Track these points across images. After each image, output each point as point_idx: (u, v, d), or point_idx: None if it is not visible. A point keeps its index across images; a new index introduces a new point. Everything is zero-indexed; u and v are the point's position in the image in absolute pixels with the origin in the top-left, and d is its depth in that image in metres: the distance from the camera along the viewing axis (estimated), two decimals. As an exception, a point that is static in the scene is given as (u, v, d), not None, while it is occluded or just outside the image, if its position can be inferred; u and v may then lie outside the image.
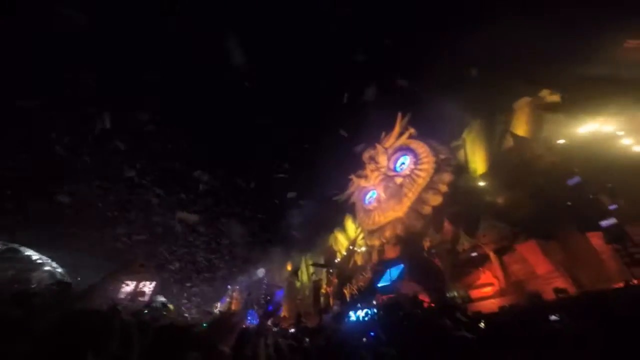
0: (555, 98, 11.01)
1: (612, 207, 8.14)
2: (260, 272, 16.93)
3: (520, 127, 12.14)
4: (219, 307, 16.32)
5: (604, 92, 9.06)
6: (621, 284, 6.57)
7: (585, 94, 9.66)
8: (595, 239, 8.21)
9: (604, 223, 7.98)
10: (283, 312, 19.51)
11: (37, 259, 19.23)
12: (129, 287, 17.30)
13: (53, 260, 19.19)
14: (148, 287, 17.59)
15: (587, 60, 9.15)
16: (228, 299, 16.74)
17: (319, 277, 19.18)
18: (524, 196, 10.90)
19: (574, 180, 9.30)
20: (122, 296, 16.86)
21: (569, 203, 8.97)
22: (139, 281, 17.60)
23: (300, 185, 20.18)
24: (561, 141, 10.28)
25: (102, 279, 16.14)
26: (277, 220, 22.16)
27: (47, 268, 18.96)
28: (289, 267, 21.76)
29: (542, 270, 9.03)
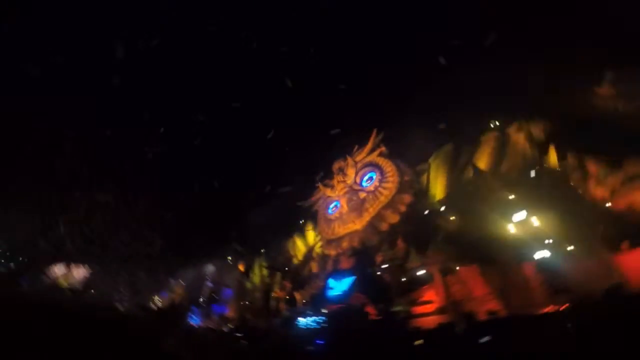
0: (520, 136, 12.26)
1: (548, 241, 9.42)
2: (209, 268, 16.28)
3: (483, 160, 13.33)
4: (158, 301, 15.33)
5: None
6: (548, 309, 7.61)
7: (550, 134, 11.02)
8: (529, 269, 9.39)
9: (537, 255, 9.22)
10: (229, 312, 18.98)
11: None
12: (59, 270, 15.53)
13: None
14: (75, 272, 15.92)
15: (556, 102, 10.32)
16: (170, 294, 15.80)
17: (271, 280, 19.03)
18: (472, 225, 11.98)
19: (519, 216, 10.54)
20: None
21: (513, 234, 10.12)
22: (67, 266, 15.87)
23: (263, 186, 19.88)
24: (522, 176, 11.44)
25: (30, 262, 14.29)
26: (234, 217, 21.53)
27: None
28: (241, 267, 21.31)
29: (478, 292, 10.01)
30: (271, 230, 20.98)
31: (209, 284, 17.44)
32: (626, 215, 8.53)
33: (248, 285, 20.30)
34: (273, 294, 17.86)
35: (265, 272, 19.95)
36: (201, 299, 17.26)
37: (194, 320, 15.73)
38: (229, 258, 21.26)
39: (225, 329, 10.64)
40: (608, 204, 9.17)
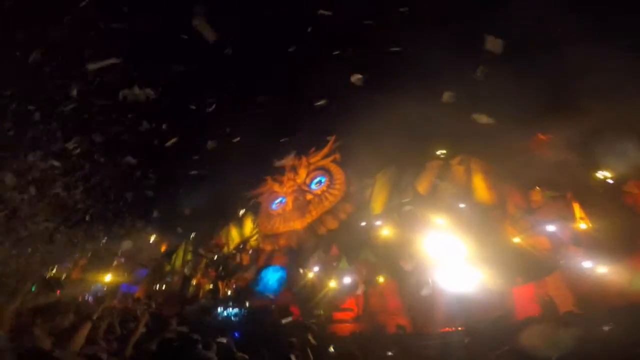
0: (460, 169, 13.53)
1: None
2: (126, 244, 14.67)
3: (423, 186, 14.41)
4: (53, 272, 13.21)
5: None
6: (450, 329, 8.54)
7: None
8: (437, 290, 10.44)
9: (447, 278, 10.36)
10: (138, 293, 17.34)
11: None
12: None
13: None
14: None
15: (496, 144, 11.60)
16: (70, 266, 13.76)
17: (195, 266, 17.97)
18: (399, 242, 12.93)
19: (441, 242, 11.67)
20: None
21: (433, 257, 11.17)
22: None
23: (205, 168, 18.74)
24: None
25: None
26: (165, 193, 19.81)
27: None
28: (163, 248, 19.70)
29: (392, 306, 10.81)
30: (206, 216, 19.87)
31: (121, 259, 15.71)
32: (527, 254, 10.08)
33: (167, 267, 18.88)
34: (194, 281, 16.89)
35: (189, 256, 18.79)
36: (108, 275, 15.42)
37: (91, 296, 13.99)
38: (152, 236, 19.51)
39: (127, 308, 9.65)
40: (516, 241, 10.68)
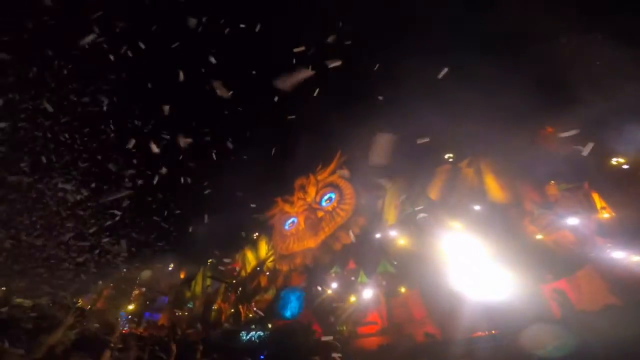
0: (470, 171, 13.43)
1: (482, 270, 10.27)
2: (145, 274, 14.78)
3: (435, 192, 14.30)
4: (80, 302, 13.36)
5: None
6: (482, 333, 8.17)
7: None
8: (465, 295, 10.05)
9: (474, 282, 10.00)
10: (161, 320, 17.15)
11: None
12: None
13: None
14: None
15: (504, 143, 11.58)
16: (95, 296, 13.87)
17: (215, 291, 17.82)
18: (418, 251, 12.68)
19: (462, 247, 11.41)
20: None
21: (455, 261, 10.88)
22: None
23: (217, 193, 19.12)
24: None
25: None
26: (180, 222, 20.16)
27: None
28: (183, 275, 19.68)
29: (418, 315, 10.42)
30: (221, 241, 19.97)
31: (142, 289, 15.78)
32: (553, 250, 9.73)
33: (187, 294, 18.75)
34: (215, 306, 16.69)
35: (208, 282, 18.70)
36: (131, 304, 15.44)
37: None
38: (171, 265, 19.60)
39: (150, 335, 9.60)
40: (539, 237, 10.35)
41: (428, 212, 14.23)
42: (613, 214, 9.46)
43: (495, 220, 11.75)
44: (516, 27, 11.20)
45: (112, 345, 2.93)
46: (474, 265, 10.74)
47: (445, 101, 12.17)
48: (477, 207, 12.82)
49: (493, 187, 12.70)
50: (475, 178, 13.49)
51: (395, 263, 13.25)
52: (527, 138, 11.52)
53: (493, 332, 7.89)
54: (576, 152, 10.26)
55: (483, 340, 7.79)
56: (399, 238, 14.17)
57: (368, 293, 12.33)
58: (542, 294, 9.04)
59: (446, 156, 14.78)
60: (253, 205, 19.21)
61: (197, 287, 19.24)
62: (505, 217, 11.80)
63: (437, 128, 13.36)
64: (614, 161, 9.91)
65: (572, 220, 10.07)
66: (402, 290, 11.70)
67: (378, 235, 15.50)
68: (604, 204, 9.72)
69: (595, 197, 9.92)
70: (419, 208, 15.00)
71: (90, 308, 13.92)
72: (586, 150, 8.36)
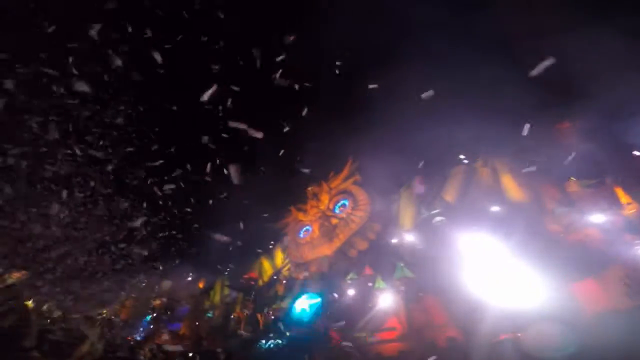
0: (485, 170, 13.16)
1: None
2: (166, 284, 15.17)
3: (450, 194, 14.08)
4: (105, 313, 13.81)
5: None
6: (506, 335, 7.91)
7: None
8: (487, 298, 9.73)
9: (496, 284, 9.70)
10: (182, 330, 17.46)
11: None
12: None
13: None
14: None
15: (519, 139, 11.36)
16: (117, 306, 14.33)
17: (233, 300, 18.04)
18: (436, 255, 12.44)
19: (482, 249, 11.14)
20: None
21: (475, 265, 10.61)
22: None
23: (233, 204, 19.49)
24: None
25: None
26: (198, 234, 20.60)
27: None
28: (202, 285, 20.07)
29: (439, 320, 10.16)
30: (238, 250, 20.23)
31: (162, 298, 16.18)
32: (578, 249, 9.36)
33: (207, 303, 19.05)
34: (234, 315, 16.86)
35: (226, 291, 18.94)
36: (152, 314, 15.81)
37: (139, 336, 14.28)
38: (190, 274, 20.03)
39: (175, 347, 9.82)
40: (562, 236, 9.99)
41: (445, 214, 14.01)
42: (640, 208, 9.07)
43: (516, 220, 11.45)
44: (523, 23, 11.11)
45: (142, 357, 3.06)
46: (495, 267, 10.44)
47: (453, 102, 12.09)
48: (495, 208, 12.54)
49: (511, 186, 12.42)
50: (491, 178, 13.24)
51: (413, 268, 13.05)
52: (542, 134, 11.27)
53: (519, 334, 7.61)
54: (595, 147, 9.98)
55: (508, 344, 7.51)
56: (415, 242, 13.98)
57: (386, 298, 12.15)
58: (569, 294, 8.66)
59: (460, 157, 14.57)
60: (266, 215, 19.46)
61: (216, 296, 19.51)
62: (526, 216, 11.48)
63: (449, 129, 13.28)
64: (636, 153, 9.54)
65: (597, 218, 9.71)
66: (421, 294, 11.47)
67: (394, 240, 15.35)
68: (629, 199, 9.33)
69: (619, 192, 9.54)
70: (435, 211, 14.79)
71: (114, 318, 14.35)
72: None
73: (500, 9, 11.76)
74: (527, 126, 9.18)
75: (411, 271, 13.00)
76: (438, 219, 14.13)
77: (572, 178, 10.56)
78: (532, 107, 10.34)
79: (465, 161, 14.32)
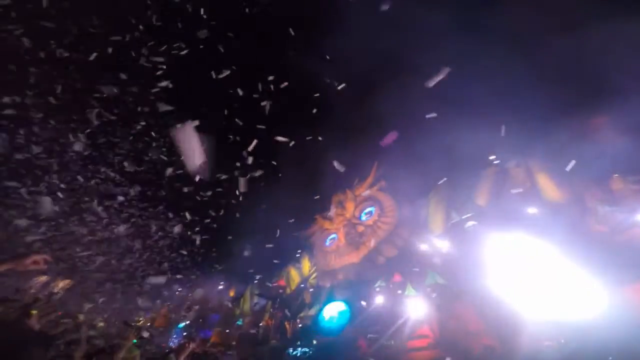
0: (519, 171, 12.48)
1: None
2: (198, 292, 15.80)
3: (482, 196, 13.46)
4: (141, 321, 14.60)
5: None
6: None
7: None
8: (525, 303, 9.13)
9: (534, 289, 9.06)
10: (213, 337, 17.92)
11: None
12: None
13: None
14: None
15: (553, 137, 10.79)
16: (152, 314, 15.08)
17: (262, 308, 18.29)
18: (469, 260, 11.91)
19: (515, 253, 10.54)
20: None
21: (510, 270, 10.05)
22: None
23: (261, 215, 20.01)
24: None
25: None
26: (228, 243, 21.32)
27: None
28: (232, 293, 20.60)
29: (474, 328, 9.61)
30: (266, 259, 20.62)
31: (195, 307, 16.84)
32: (626, 251, 8.57)
33: (236, 311, 19.45)
34: (262, 323, 17.05)
35: (256, 299, 19.25)
36: (186, 322, 16.47)
37: (173, 343, 14.87)
38: (221, 283, 20.70)
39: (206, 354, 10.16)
40: (608, 237, 9.22)
41: (476, 219, 13.42)
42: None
43: (555, 222, 10.73)
44: (554, 16, 10.71)
45: None
46: (535, 271, 9.78)
47: (480, 101, 11.80)
48: (532, 210, 11.84)
49: (547, 186, 11.68)
50: (526, 179, 12.54)
51: (445, 274, 12.55)
52: (577, 131, 10.58)
53: (562, 340, 7.04)
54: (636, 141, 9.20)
55: (551, 351, 6.96)
56: (446, 247, 13.48)
57: (417, 306, 11.73)
58: (616, 299, 7.89)
59: (490, 158, 13.96)
60: (292, 223, 19.74)
61: (246, 304, 19.87)
62: (567, 217, 10.71)
63: (477, 130, 12.87)
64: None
65: (646, 216, 8.87)
66: (454, 301, 10.97)
67: (424, 246, 14.88)
68: (684, 195, 8.46)
69: (672, 187, 8.68)
70: (466, 216, 14.23)
71: (150, 326, 15.09)
72: None
73: (528, 2, 11.44)
74: (559, 122, 8.68)
75: (443, 277, 12.52)
76: (470, 223, 13.59)
77: (615, 175, 9.76)
78: (564, 103, 9.83)
79: (497, 162, 13.71)
